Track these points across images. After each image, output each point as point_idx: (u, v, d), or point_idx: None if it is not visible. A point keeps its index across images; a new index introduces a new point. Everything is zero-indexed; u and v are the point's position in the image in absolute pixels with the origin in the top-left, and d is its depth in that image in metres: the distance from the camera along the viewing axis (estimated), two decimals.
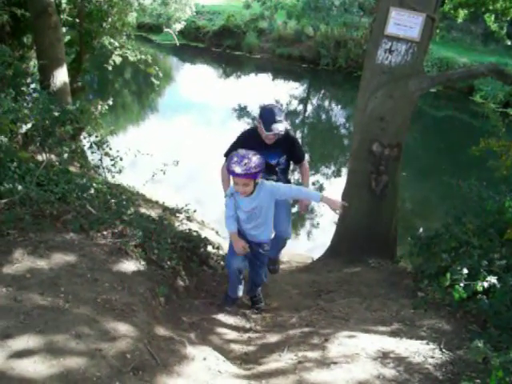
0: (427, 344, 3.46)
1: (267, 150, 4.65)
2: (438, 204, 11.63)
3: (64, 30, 10.92)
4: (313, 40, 26.11)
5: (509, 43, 12.48)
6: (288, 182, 5.06)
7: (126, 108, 20.17)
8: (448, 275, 3.50)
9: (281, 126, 4.48)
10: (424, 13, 5.30)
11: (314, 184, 13.19)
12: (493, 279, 3.49)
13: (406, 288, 4.76)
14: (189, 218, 5.79)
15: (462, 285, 3.44)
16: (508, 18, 9.68)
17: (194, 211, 6.10)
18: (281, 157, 4.89)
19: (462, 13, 9.79)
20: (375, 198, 5.91)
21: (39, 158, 6.20)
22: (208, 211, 10.46)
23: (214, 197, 11.24)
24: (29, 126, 6.13)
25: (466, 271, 3.53)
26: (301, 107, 22.07)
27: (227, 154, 4.72)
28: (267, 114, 4.52)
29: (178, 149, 13.66)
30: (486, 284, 3.45)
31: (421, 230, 6.57)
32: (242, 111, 19.40)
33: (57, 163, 5.74)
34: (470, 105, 21.07)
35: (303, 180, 5.15)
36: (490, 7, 9.10)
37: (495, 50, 24.20)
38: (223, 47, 27.45)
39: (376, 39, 5.56)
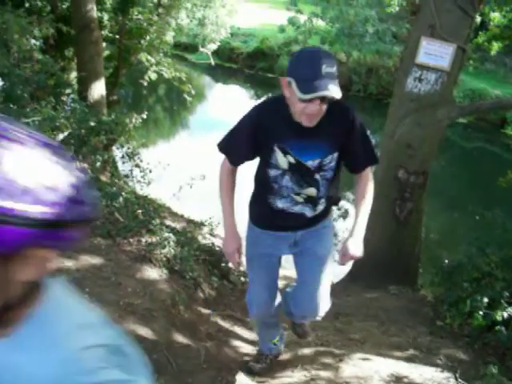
0: (442, 372, 3.47)
1: (302, 137, 2.56)
2: (464, 235, 11.53)
3: (104, 45, 11.28)
4: (345, 66, 26.27)
5: None
6: (334, 202, 3.06)
7: (158, 123, 20.54)
8: (468, 302, 3.52)
9: (334, 87, 2.28)
10: (455, 43, 5.37)
11: (339, 209, 13.22)
12: None
13: (425, 316, 4.76)
14: (212, 232, 5.90)
15: (481, 313, 3.46)
16: None
17: (218, 225, 6.20)
18: (328, 154, 2.64)
19: (496, 45, 9.80)
20: (399, 225, 5.94)
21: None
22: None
23: (239, 213, 11.39)
24: (65, 134, 6.33)
25: (486, 300, 3.54)
26: None
27: (223, 147, 2.82)
28: (305, 61, 2.35)
29: (205, 165, 13.79)
30: (505, 314, 3.46)
31: (446, 261, 6.53)
32: None
33: (89, 171, 5.91)
34: (501, 137, 20.89)
35: (359, 207, 2.81)
36: None
37: None
38: (256, 69, 27.78)
39: (406, 67, 5.65)
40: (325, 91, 2.26)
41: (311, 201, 2.79)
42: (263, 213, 2.95)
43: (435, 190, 15.99)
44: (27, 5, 8.94)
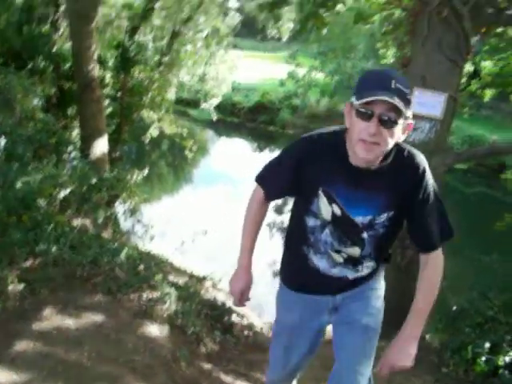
0: None
1: (356, 186, 2.15)
2: (468, 280, 11.50)
3: (107, 102, 11.58)
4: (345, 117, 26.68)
5: None
6: (385, 259, 2.61)
7: (161, 178, 20.74)
8: (470, 348, 3.51)
9: (401, 102, 1.92)
10: (446, 93, 5.52)
11: None
12: None
13: (431, 364, 4.70)
14: (214, 286, 5.90)
15: (483, 359, 3.43)
16: None
17: (220, 280, 6.20)
18: (383, 212, 2.20)
19: (489, 93, 10.00)
20: (400, 273, 5.91)
21: (75, 222, 6.47)
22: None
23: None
24: (67, 191, 6.42)
25: (487, 345, 3.53)
26: None
27: (260, 176, 2.46)
28: (373, 76, 2.05)
29: (208, 219, 13.90)
30: (507, 359, 3.43)
31: (454, 307, 6.49)
32: None
33: (91, 228, 5.98)
34: (501, 182, 21.00)
35: (419, 299, 2.41)
36: None
37: None
38: (257, 122, 28.26)
39: None
40: (385, 97, 1.88)
41: (353, 261, 2.34)
42: (296, 269, 2.51)
43: None
44: (30, 65, 9.23)
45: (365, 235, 2.25)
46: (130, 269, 5.05)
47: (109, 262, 4.97)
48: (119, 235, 6.84)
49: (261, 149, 26.55)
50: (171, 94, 12.42)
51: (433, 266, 2.33)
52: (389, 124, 1.95)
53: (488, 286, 5.00)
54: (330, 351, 5.67)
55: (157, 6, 11.54)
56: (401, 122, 1.98)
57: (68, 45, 9.70)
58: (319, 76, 27.92)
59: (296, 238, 2.43)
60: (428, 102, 5.56)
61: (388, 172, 2.12)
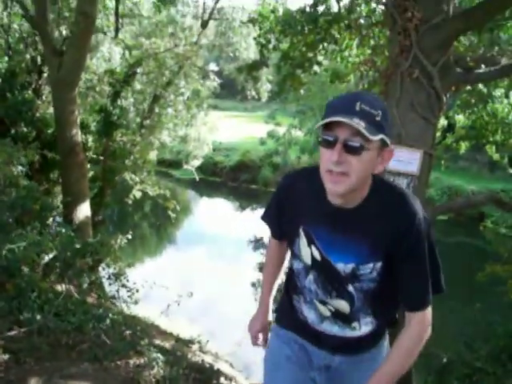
0: None
1: (335, 227, 1.94)
2: (455, 330, 11.51)
3: (89, 166, 11.68)
4: None
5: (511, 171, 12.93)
6: (389, 323, 2.27)
7: (145, 240, 20.68)
8: None
9: (364, 124, 1.70)
10: (421, 149, 5.71)
11: None
12: None
13: None
14: (201, 349, 5.84)
15: None
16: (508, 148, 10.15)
17: (207, 342, 6.15)
18: (367, 260, 1.93)
19: (464, 145, 10.27)
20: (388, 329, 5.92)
21: (59, 287, 6.42)
22: (222, 344, 10.43)
23: (228, 329, 11.32)
24: (50, 256, 6.39)
25: None
26: None
27: (262, 217, 2.30)
28: (335, 101, 1.82)
29: (193, 281, 13.83)
30: None
31: (445, 360, 6.49)
32: (257, 243, 19.74)
33: (75, 294, 5.93)
34: (480, 231, 21.30)
35: (394, 351, 1.99)
36: (490, 139, 9.58)
37: (501, 177, 24.92)
38: (239, 181, 28.56)
39: (379, 174, 5.93)
40: (344, 118, 1.66)
41: (343, 317, 2.07)
42: (289, 316, 2.28)
43: None
44: (13, 131, 9.33)
45: (351, 288, 1.97)
46: (115, 334, 5.00)
47: (94, 329, 4.93)
48: (104, 300, 6.78)
49: (243, 208, 26.71)
50: (153, 156, 12.58)
51: (415, 333, 1.97)
52: (355, 150, 1.71)
53: (472, 336, 5.04)
54: None
55: (138, 71, 11.86)
56: (371, 147, 1.72)
57: (51, 110, 9.84)
58: (299, 134, 28.49)
59: (287, 282, 2.28)
60: (404, 159, 5.73)
61: (370, 214, 1.86)
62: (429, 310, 1.97)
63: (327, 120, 1.71)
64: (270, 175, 28.13)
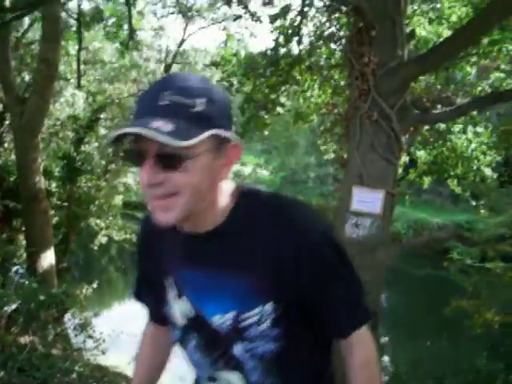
0: None
1: (197, 263, 1.37)
2: (428, 364, 11.60)
3: (53, 212, 11.52)
4: None
5: (474, 203, 13.23)
6: None
7: (112, 284, 20.33)
8: None
9: (169, 125, 1.13)
10: (383, 189, 5.83)
11: None
12: None
13: None
14: None
15: None
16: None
17: None
18: (252, 304, 1.32)
19: (427, 180, 10.50)
20: None
21: (22, 340, 6.24)
22: None
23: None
24: (13, 307, 6.24)
25: None
26: None
27: (136, 293, 1.74)
28: (141, 97, 1.27)
29: None
30: None
31: None
32: None
33: (39, 346, 5.78)
34: (445, 264, 21.60)
35: None
36: (451, 173, 9.83)
37: (465, 209, 25.48)
38: None
39: (342, 215, 6.02)
40: (138, 128, 1.14)
41: None
42: None
43: (396, 321, 16.18)
44: None
45: (239, 352, 1.39)
46: None
47: (60, 383, 4.81)
48: (70, 352, 6.62)
49: None
50: (118, 200, 12.50)
51: (363, 359, 1.47)
52: (171, 163, 1.19)
53: (442, 371, 5.09)
54: None
55: (102, 116, 11.86)
56: (196, 152, 1.19)
57: (13, 157, 9.74)
58: (264, 173, 28.75)
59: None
60: (367, 200, 5.85)
61: (239, 238, 1.34)
62: (367, 327, 1.50)
63: (114, 136, 1.19)
64: None
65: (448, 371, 5.21)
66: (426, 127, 9.23)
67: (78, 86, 10.99)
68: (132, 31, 9.42)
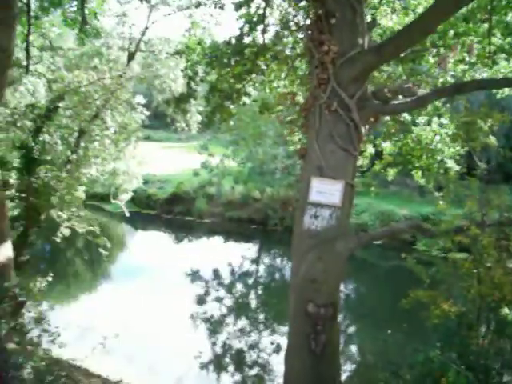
0: None
1: None
2: (384, 357, 11.75)
3: (13, 204, 11.23)
4: (260, 202, 27.28)
5: (436, 195, 13.35)
6: None
7: (78, 277, 20.07)
8: None
9: None
10: (342, 180, 5.81)
11: (272, 343, 13.18)
12: None
13: None
14: None
15: None
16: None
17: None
18: None
19: (392, 171, 10.55)
20: (316, 359, 5.92)
21: None
22: (160, 380, 10.25)
23: (167, 365, 11.11)
24: None
25: None
26: (253, 267, 22.42)
27: None
28: None
29: (129, 317, 13.52)
30: None
31: None
32: (194, 275, 19.54)
33: None
34: (414, 253, 21.89)
35: None
36: (416, 164, 9.89)
37: (432, 201, 25.75)
38: (174, 213, 28.31)
39: (302, 206, 5.99)
40: None
41: None
42: None
43: (362, 312, 16.38)
44: None
45: None
46: (35, 383, 4.77)
47: (13, 378, 4.69)
48: (26, 346, 6.46)
49: (179, 240, 26.44)
50: (81, 192, 12.23)
51: None
52: None
53: (398, 363, 5.12)
54: None
55: (61, 105, 11.56)
56: None
57: None
58: (232, 164, 28.63)
59: None
60: (326, 191, 5.82)
61: None
62: None
63: None
64: (205, 206, 28.03)
65: (405, 363, 5.25)
66: (390, 118, 9.30)
67: (26, 72, 10.71)
68: (84, 16, 9.14)
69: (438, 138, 9.48)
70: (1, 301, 5.81)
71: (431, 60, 8.81)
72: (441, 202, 8.53)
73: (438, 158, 9.60)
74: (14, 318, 6.44)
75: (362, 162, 9.59)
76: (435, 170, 10.04)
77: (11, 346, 6.41)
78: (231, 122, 11.67)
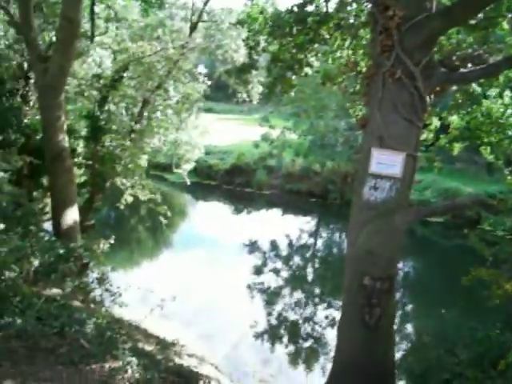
0: None
1: None
2: (440, 335, 11.53)
3: (82, 171, 11.65)
4: (320, 175, 27.10)
5: (507, 172, 12.83)
6: None
7: (140, 243, 20.66)
8: None
9: None
10: (404, 152, 5.67)
11: (326, 317, 13.21)
12: None
13: None
14: (180, 353, 5.82)
15: None
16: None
17: (183, 346, 6.15)
18: None
19: (458, 146, 10.23)
20: (369, 332, 5.89)
21: (43, 293, 6.39)
22: (214, 346, 10.46)
23: (222, 332, 11.34)
24: (35, 262, 6.37)
25: None
26: (311, 241, 22.41)
27: None
28: None
29: (188, 284, 13.87)
30: None
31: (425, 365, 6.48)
32: (252, 246, 19.73)
33: (58, 298, 5.91)
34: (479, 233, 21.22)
35: None
36: (485, 140, 9.54)
37: (500, 179, 24.73)
38: (234, 184, 28.53)
39: (361, 177, 5.90)
40: None
41: None
42: None
43: (419, 289, 16.12)
44: (0, 137, 9.28)
45: None
46: (96, 338, 4.98)
47: (76, 332, 4.91)
48: (89, 304, 6.76)
49: (238, 211, 26.70)
50: (144, 161, 12.52)
51: None
52: None
53: (454, 341, 5.02)
54: None
55: (125, 75, 11.78)
56: None
57: (39, 116, 9.79)
58: (293, 136, 28.47)
59: None
60: (387, 162, 5.70)
61: None
62: None
63: None
64: (265, 178, 28.11)
65: (461, 342, 5.14)
66: (458, 89, 8.92)
67: (91, 42, 10.94)
68: None
69: (509, 111, 9.08)
70: (67, 260, 6.08)
71: (506, 26, 8.35)
72: (509, 178, 8.17)
73: (510, 133, 9.21)
74: (79, 277, 6.74)
75: (426, 135, 9.27)
76: (506, 146, 9.65)
77: (76, 303, 6.71)
78: (292, 94, 11.55)
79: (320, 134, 26.84)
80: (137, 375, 4.36)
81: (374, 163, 5.74)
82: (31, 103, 10.27)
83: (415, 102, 5.73)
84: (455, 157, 25.44)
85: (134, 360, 4.54)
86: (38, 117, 9.85)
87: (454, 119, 9.60)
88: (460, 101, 9.10)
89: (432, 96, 6.29)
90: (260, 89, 14.08)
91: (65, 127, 8.85)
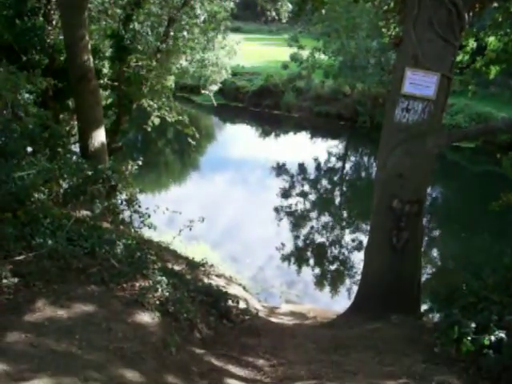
0: None
1: None
2: (479, 258, 11.59)
3: (108, 92, 11.55)
4: (350, 98, 26.55)
5: None
6: None
7: (168, 166, 20.86)
8: (456, 328, 3.52)
9: None
10: (439, 72, 5.46)
11: (353, 241, 13.35)
12: (502, 334, 3.48)
13: (424, 343, 4.72)
14: (209, 273, 5.95)
15: (469, 338, 3.44)
16: None
17: (211, 266, 6.27)
18: None
19: (494, 69, 9.83)
20: (397, 255, 5.92)
21: (73, 214, 6.52)
22: (242, 267, 10.71)
23: (250, 254, 11.58)
24: (63, 184, 6.45)
25: (473, 325, 3.53)
26: (339, 164, 22.30)
27: None
28: None
29: (216, 206, 14.06)
30: (493, 338, 3.44)
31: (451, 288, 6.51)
32: (280, 169, 19.74)
33: (88, 219, 6.02)
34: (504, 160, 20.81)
35: None
36: None
37: None
38: (262, 106, 28.16)
39: (393, 98, 5.73)
40: None
41: None
42: None
43: (448, 214, 16.07)
44: (24, 59, 9.16)
45: None
46: (126, 258, 5.10)
47: (106, 253, 5.02)
48: (118, 225, 6.88)
49: (266, 133, 26.54)
50: (170, 82, 12.34)
51: None
52: None
53: (481, 265, 5.00)
54: (324, 335, 5.70)
55: None
56: None
57: (62, 37, 9.60)
58: (323, 57, 27.66)
59: None
60: (421, 83, 5.50)
61: None
62: None
63: None
64: (293, 100, 27.67)
65: (488, 266, 5.12)
66: (498, 7, 8.44)
67: None
68: None
69: None
70: (96, 182, 6.14)
71: None
72: None
73: None
74: (107, 199, 6.83)
75: (461, 57, 8.88)
76: None
77: (105, 224, 6.85)
78: (323, 12, 11.10)
79: (351, 55, 25.96)
80: (166, 294, 4.49)
81: (407, 84, 5.56)
82: (54, 22, 10.04)
83: (453, 20, 5.45)
84: (489, 81, 24.57)
85: (164, 279, 4.66)
86: (61, 37, 9.67)
87: (492, 40, 9.15)
88: (500, 20, 8.63)
89: (470, 14, 5.98)
90: (289, 7, 13.52)
91: (89, 47, 8.68)
